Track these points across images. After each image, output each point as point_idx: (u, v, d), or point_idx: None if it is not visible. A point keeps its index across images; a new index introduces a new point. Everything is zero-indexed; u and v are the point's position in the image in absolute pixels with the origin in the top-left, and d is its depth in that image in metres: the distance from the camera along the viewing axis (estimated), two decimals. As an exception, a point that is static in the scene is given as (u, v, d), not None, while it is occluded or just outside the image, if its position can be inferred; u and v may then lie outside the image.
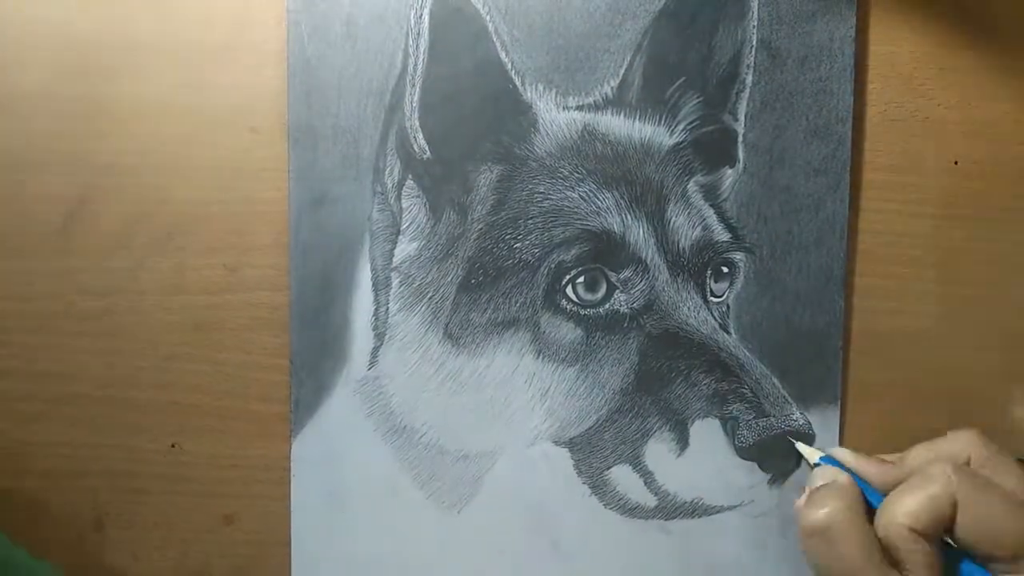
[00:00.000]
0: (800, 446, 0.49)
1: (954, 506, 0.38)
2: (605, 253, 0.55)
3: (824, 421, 0.57)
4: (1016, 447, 0.58)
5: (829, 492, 0.41)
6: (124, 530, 0.59)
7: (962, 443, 0.41)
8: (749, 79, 0.56)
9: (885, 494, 0.41)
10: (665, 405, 0.56)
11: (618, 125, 0.56)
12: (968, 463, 0.40)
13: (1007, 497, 0.39)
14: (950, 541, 0.39)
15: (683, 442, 0.56)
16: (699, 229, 0.56)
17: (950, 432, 0.42)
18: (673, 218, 0.56)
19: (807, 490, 0.44)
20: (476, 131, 0.56)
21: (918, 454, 0.42)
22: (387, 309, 0.57)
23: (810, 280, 0.57)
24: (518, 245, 0.56)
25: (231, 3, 0.56)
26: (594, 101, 0.56)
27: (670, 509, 0.57)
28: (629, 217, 0.56)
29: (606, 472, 0.57)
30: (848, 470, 0.43)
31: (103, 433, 0.58)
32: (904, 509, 0.39)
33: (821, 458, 0.45)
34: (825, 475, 0.44)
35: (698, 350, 0.56)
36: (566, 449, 0.57)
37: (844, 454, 0.45)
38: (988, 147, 0.57)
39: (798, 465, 0.57)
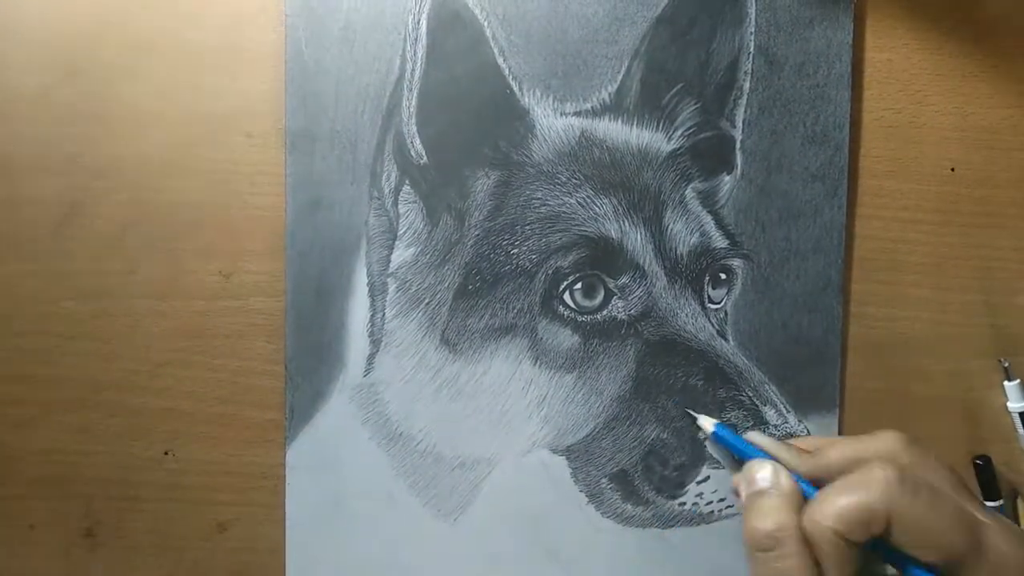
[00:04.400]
0: (700, 419, 0.47)
1: (888, 517, 0.38)
2: (602, 259, 0.55)
3: (822, 428, 0.57)
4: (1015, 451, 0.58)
5: (775, 502, 0.40)
6: (117, 538, 0.58)
7: (888, 444, 0.41)
8: (747, 85, 0.56)
9: (808, 482, 0.40)
10: (663, 412, 0.56)
11: (616, 131, 0.56)
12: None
13: (946, 501, 0.38)
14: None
15: (681, 450, 0.56)
16: (697, 235, 0.56)
17: (876, 432, 0.41)
18: (671, 224, 0.56)
19: (743, 489, 0.42)
20: (473, 137, 0.55)
21: (840, 452, 0.41)
22: (383, 315, 0.56)
23: (808, 287, 0.57)
24: (515, 251, 0.55)
25: (228, 7, 0.56)
26: (591, 107, 0.56)
27: (667, 517, 0.57)
28: (627, 223, 0.55)
29: (603, 480, 0.57)
30: (768, 456, 0.43)
31: (95, 440, 0.57)
32: (835, 511, 0.38)
33: (717, 426, 0.44)
34: (763, 473, 0.42)
35: (696, 357, 0.56)
36: (563, 457, 0.57)
37: (761, 440, 0.44)
38: (984, 154, 0.57)
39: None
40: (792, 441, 0.43)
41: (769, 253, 0.57)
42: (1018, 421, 0.57)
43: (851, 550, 0.38)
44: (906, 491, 0.38)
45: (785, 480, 0.42)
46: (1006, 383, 0.58)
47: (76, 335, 0.57)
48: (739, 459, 0.46)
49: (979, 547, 0.38)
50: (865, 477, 0.39)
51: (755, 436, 0.44)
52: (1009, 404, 0.58)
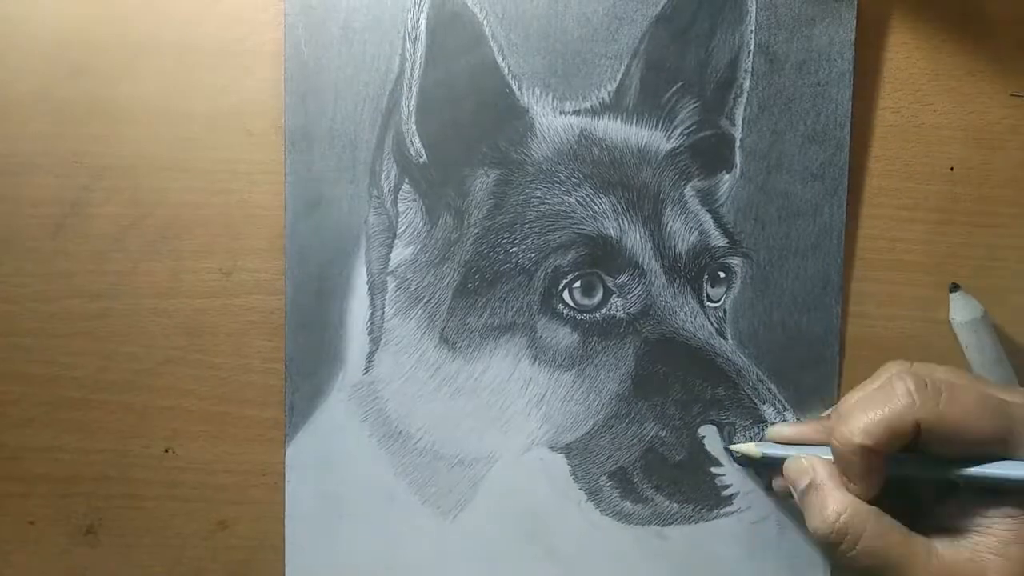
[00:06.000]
0: (736, 447, 0.49)
1: (916, 425, 0.37)
2: (602, 258, 0.55)
3: (821, 427, 0.57)
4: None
5: (827, 496, 0.41)
6: (117, 536, 0.58)
7: (896, 367, 0.41)
8: (747, 84, 0.56)
9: None
10: (661, 410, 0.56)
11: (615, 130, 0.56)
12: None
13: (968, 391, 0.38)
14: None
15: (679, 447, 0.56)
16: (696, 234, 0.56)
17: (879, 369, 0.41)
18: (670, 223, 0.56)
19: (796, 495, 0.43)
20: (473, 135, 0.55)
21: (855, 401, 0.42)
22: (383, 313, 0.56)
23: (807, 285, 0.57)
24: (514, 249, 0.56)
25: (228, 6, 0.56)
26: (591, 106, 0.56)
27: (667, 515, 0.57)
28: (626, 222, 0.55)
29: (602, 478, 0.57)
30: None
31: (96, 438, 0.58)
32: (861, 427, 0.38)
33: (765, 447, 0.45)
34: (801, 471, 0.43)
35: (695, 355, 0.56)
36: (562, 455, 0.57)
37: (781, 431, 0.45)
38: (984, 153, 0.57)
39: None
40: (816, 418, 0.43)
41: (768, 252, 0.57)
42: None
43: (877, 460, 0.38)
44: (928, 395, 0.38)
45: (821, 467, 0.42)
46: None
47: (76, 334, 0.57)
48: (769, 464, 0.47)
49: (1014, 425, 0.37)
50: (887, 390, 0.39)
51: (773, 431, 0.45)
52: None
